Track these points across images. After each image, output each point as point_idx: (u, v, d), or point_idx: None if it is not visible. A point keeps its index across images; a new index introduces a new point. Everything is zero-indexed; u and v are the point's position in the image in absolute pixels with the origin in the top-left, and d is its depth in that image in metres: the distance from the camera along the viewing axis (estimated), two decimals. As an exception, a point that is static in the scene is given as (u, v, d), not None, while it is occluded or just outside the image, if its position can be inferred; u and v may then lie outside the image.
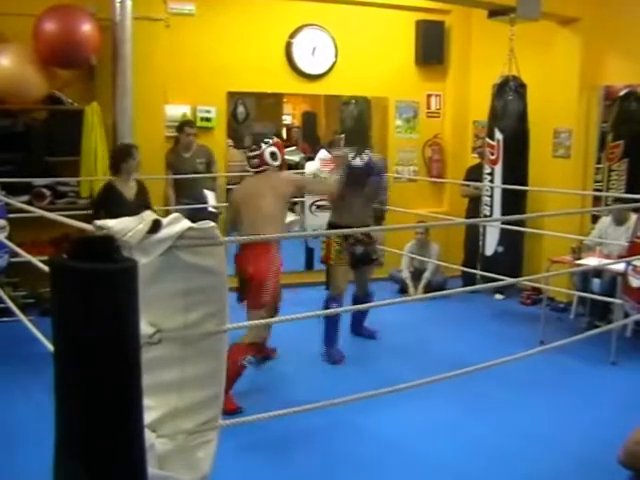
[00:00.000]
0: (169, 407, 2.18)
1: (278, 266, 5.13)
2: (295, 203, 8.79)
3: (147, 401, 1.93)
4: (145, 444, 1.90)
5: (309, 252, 8.55)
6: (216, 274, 2.18)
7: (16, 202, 4.93)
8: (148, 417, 2.02)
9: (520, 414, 4.90)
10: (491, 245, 7.48)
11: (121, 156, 5.96)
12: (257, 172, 5.36)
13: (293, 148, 8.93)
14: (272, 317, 5.12)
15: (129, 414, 1.82)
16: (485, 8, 7.29)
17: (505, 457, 4.27)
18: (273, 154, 5.34)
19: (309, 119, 11.61)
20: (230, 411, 4.39)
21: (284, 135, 11.96)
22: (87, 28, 6.61)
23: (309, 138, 11.01)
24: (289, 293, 5.92)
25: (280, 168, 5.44)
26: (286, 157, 8.20)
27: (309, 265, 8.63)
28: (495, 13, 7.21)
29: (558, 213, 7.04)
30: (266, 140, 5.43)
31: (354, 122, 9.32)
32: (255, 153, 5.34)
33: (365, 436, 4.51)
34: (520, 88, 7.32)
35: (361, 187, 5.98)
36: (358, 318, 6.57)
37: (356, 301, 6.36)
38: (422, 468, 4.14)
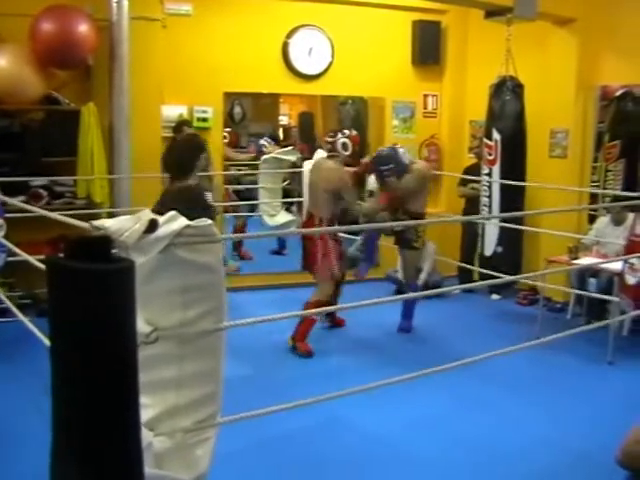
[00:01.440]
0: (167, 405, 2.17)
1: (335, 247, 6.12)
2: (292, 203, 8.80)
3: (144, 399, 1.93)
4: (142, 443, 1.90)
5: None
6: (213, 271, 2.18)
7: (17, 202, 4.92)
8: (145, 415, 2.02)
9: (516, 413, 4.91)
10: (490, 245, 7.49)
11: (195, 152, 4.91)
12: (329, 156, 6.29)
13: (290, 148, 8.93)
14: (336, 289, 6.29)
15: (126, 413, 1.81)
16: (482, 8, 7.29)
17: (500, 456, 4.28)
18: (344, 144, 6.16)
19: (306, 119, 11.62)
20: (307, 353, 5.90)
21: (281, 135, 11.99)
22: (84, 28, 6.61)
23: (306, 138, 11.02)
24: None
25: (350, 158, 6.29)
26: (284, 157, 8.27)
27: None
28: (492, 13, 7.21)
29: (556, 210, 7.07)
30: (344, 131, 6.31)
31: (351, 122, 9.38)
32: (330, 140, 6.24)
33: (359, 434, 4.52)
34: (517, 88, 7.32)
35: None
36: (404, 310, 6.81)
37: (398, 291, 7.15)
38: (416, 466, 4.15)
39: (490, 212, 7.44)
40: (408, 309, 6.81)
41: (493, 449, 4.35)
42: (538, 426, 4.69)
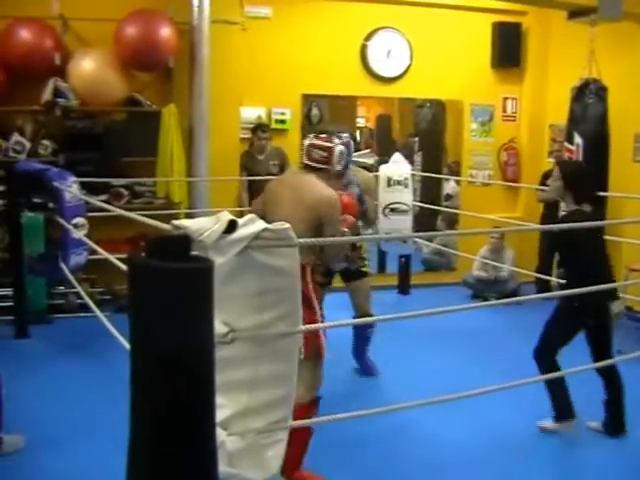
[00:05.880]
0: (240, 406, 2.19)
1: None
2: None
3: (219, 399, 1.94)
4: (216, 442, 1.92)
5: (382, 255, 8.57)
6: (289, 275, 2.19)
7: (96, 201, 5.06)
8: (219, 415, 2.04)
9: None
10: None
11: None
12: (318, 169, 3.83)
13: (367, 150, 8.90)
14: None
15: (202, 411, 1.84)
16: (564, 9, 7.14)
17: (572, 474, 4.15)
18: (341, 155, 3.86)
19: (383, 122, 11.59)
20: None
21: (358, 137, 11.96)
22: (166, 32, 6.77)
23: (383, 141, 10.99)
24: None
25: (338, 177, 4.35)
26: (360, 160, 7.76)
27: (382, 268, 8.80)
28: (575, 14, 7.05)
29: (636, 220, 6.84)
30: (341, 134, 4.17)
31: (428, 125, 9.30)
32: (327, 145, 3.84)
33: (435, 441, 4.47)
34: (601, 91, 7.13)
35: None
36: (357, 344, 5.66)
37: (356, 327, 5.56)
38: (487, 475, 4.09)
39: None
40: (359, 347, 5.59)
41: (568, 464, 4.24)
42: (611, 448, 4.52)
